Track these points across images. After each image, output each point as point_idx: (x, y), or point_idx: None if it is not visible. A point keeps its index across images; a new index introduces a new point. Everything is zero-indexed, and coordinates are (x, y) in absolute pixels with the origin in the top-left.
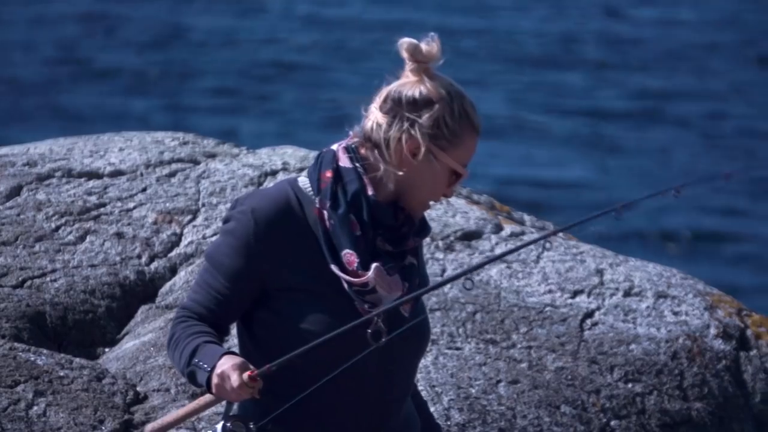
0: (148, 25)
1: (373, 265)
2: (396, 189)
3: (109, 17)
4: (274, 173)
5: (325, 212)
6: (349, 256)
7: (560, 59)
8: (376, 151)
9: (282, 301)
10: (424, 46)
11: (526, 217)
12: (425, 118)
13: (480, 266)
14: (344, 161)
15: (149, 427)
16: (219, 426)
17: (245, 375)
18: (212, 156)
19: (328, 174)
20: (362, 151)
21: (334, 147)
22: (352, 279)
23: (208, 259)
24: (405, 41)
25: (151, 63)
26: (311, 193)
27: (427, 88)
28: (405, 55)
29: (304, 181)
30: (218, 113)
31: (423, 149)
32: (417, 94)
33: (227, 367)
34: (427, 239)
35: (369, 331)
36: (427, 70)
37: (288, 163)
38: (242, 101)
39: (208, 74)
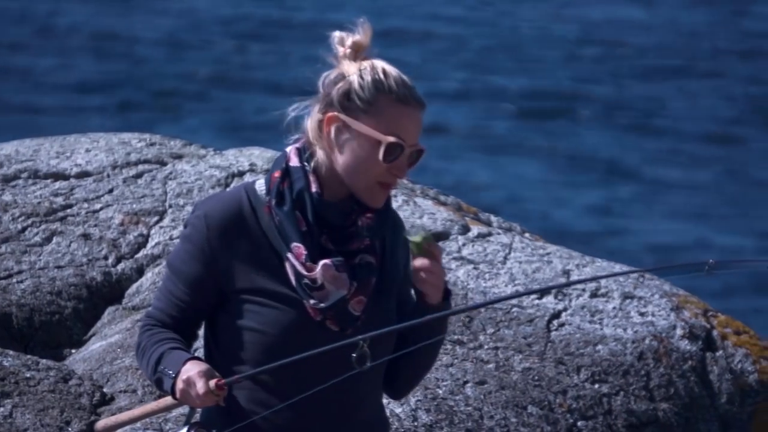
0: None
1: (322, 262)
2: (345, 181)
3: None
4: (241, 174)
5: (273, 210)
6: (297, 248)
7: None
8: (318, 146)
9: (239, 304)
10: (351, 36)
11: (493, 218)
12: (335, 91)
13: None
14: (294, 161)
15: (101, 423)
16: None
17: (212, 383)
18: (179, 157)
19: (277, 174)
20: (313, 150)
21: (289, 148)
22: (304, 271)
23: (168, 266)
24: (334, 34)
25: None
26: (265, 195)
27: (343, 68)
28: (334, 47)
29: (260, 183)
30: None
31: (338, 123)
32: (332, 75)
33: (193, 373)
34: None
35: (354, 355)
36: (353, 55)
37: (255, 164)
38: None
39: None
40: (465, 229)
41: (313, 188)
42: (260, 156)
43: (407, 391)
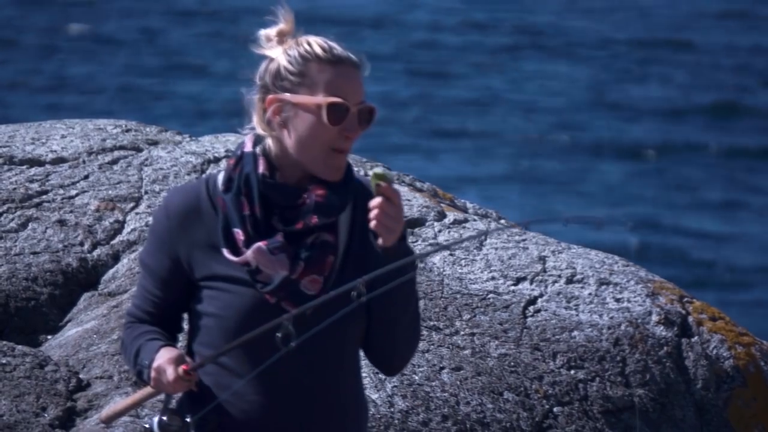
0: None
1: (254, 246)
2: (298, 161)
3: None
4: (217, 160)
5: (221, 195)
6: (237, 234)
7: None
8: (267, 134)
9: (201, 291)
10: (275, 27)
11: (469, 205)
12: (267, 75)
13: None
14: (248, 147)
15: (103, 414)
16: (155, 419)
17: (180, 369)
18: (155, 143)
19: (232, 161)
20: (264, 138)
21: (247, 136)
22: (234, 258)
23: (139, 262)
24: (259, 34)
25: None
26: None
27: (271, 54)
28: (263, 45)
29: (223, 174)
30: None
31: (277, 103)
32: (263, 63)
33: (162, 361)
34: None
35: (278, 334)
36: (279, 42)
37: (231, 150)
38: None
39: None
40: (441, 216)
41: (260, 169)
42: (235, 142)
43: (398, 363)
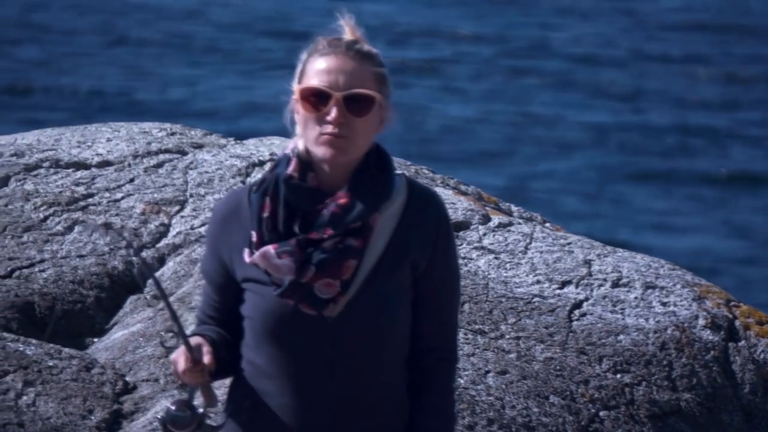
0: None
1: (261, 249)
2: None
3: None
4: (261, 164)
5: (252, 196)
6: (253, 236)
7: None
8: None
9: (242, 293)
10: (330, 36)
11: (514, 208)
12: (295, 78)
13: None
14: (288, 149)
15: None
16: (168, 409)
17: (187, 360)
18: (199, 146)
19: (271, 165)
20: (300, 139)
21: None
22: (247, 259)
23: (200, 268)
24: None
25: None
26: None
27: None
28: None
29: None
30: None
31: (293, 104)
32: None
33: (176, 354)
34: None
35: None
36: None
37: (276, 153)
38: None
39: None
40: (486, 219)
41: (289, 170)
42: (281, 146)
43: None
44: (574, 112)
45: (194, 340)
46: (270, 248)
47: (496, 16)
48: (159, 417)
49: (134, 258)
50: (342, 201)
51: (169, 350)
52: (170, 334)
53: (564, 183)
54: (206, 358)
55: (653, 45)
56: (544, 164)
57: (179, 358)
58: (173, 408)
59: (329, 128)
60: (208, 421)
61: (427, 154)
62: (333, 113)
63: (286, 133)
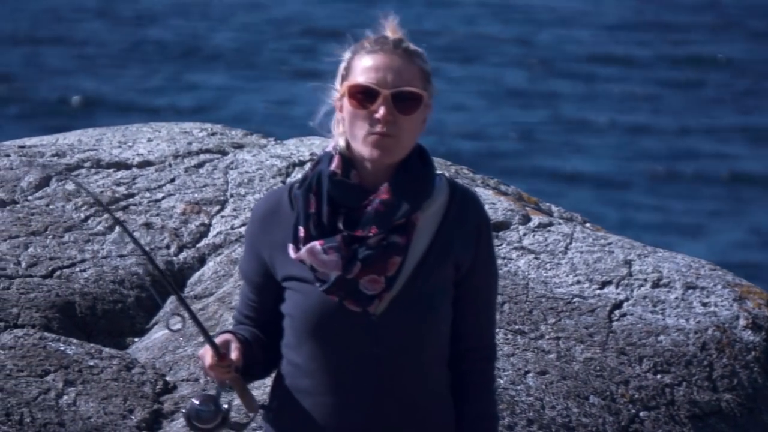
0: None
1: (308, 245)
2: (359, 153)
3: None
4: (302, 164)
5: (295, 193)
6: (300, 232)
7: None
8: (341, 134)
9: (282, 292)
10: (374, 35)
11: (554, 208)
12: (338, 76)
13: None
14: (329, 147)
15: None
16: (192, 405)
17: (212, 356)
18: (240, 147)
19: (313, 162)
20: (341, 137)
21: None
22: (293, 255)
23: (239, 268)
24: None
25: None
26: None
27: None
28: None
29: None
30: None
31: (338, 102)
32: None
33: (204, 349)
34: None
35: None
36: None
37: (316, 153)
38: None
39: None
40: (526, 219)
41: (332, 167)
42: (320, 146)
43: None
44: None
45: (222, 337)
46: (316, 244)
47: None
48: (183, 411)
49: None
50: (385, 198)
51: (174, 333)
52: (177, 318)
53: None
54: (233, 354)
55: None
56: None
57: (206, 353)
58: (197, 402)
59: (378, 127)
60: (234, 419)
61: None
62: (381, 111)
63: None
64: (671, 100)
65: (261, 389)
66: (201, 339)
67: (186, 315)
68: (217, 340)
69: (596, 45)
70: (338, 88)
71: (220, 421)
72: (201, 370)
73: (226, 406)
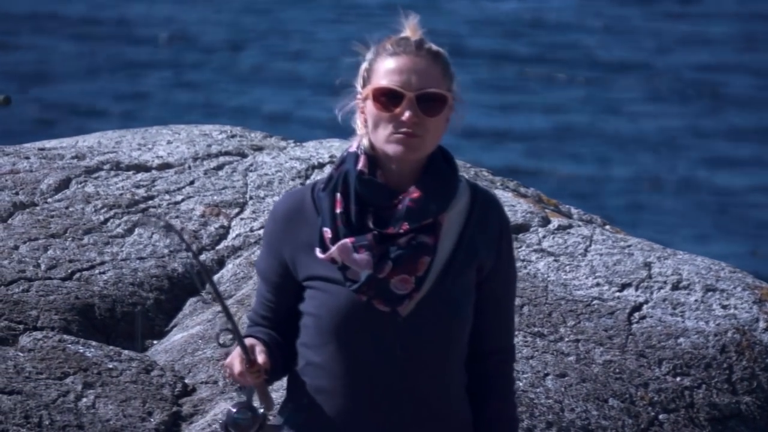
0: None
1: (339, 243)
2: (384, 153)
3: None
4: (321, 166)
5: (320, 193)
6: (325, 233)
7: None
8: (364, 134)
9: (304, 291)
10: (395, 36)
11: (573, 210)
12: (359, 78)
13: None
14: (352, 147)
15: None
16: (229, 413)
17: (242, 361)
18: (259, 149)
19: (337, 162)
20: (364, 138)
21: (355, 138)
22: (322, 255)
23: (256, 269)
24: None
25: None
26: None
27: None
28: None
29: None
30: None
31: (361, 103)
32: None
33: (230, 357)
34: None
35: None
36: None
37: (335, 155)
38: None
39: None
40: (545, 222)
41: (359, 166)
42: (340, 148)
43: None
44: None
45: (247, 342)
46: (347, 241)
47: None
48: (221, 422)
49: (192, 260)
50: (416, 196)
51: (226, 348)
52: (228, 335)
53: None
54: (260, 358)
55: None
56: None
57: (234, 360)
58: (234, 411)
59: (403, 128)
60: (270, 422)
61: None
62: (407, 114)
63: (345, 135)
64: None
65: (280, 391)
66: (220, 341)
67: (230, 326)
68: (241, 356)
69: None
70: (360, 90)
71: (258, 427)
72: (227, 377)
73: (261, 410)
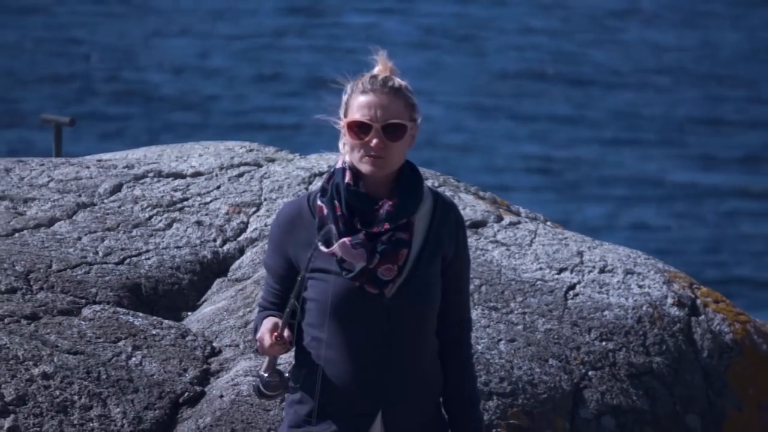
0: None
1: (340, 241)
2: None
3: None
4: (320, 174)
5: (318, 201)
6: (332, 230)
7: None
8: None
9: (308, 281)
10: (369, 72)
11: (522, 210)
12: (341, 108)
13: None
14: (339, 164)
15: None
16: (261, 376)
17: (269, 337)
18: (272, 161)
19: (326, 176)
20: (347, 155)
21: (340, 156)
22: (325, 249)
23: (263, 264)
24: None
25: None
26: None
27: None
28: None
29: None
30: None
31: (342, 129)
32: None
33: (261, 332)
34: None
35: (288, 309)
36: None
37: (332, 166)
38: None
39: None
40: (499, 219)
41: (346, 179)
42: (335, 160)
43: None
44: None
45: (272, 320)
46: (346, 240)
47: None
48: (253, 384)
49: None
50: (393, 202)
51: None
52: (266, 375)
53: None
54: (286, 332)
55: None
56: None
57: (264, 335)
58: (266, 375)
59: (372, 152)
60: (290, 385)
61: None
62: (374, 141)
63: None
64: None
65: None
66: (240, 313)
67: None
68: (270, 323)
69: None
70: (342, 117)
71: (283, 388)
72: (248, 340)
73: (287, 375)
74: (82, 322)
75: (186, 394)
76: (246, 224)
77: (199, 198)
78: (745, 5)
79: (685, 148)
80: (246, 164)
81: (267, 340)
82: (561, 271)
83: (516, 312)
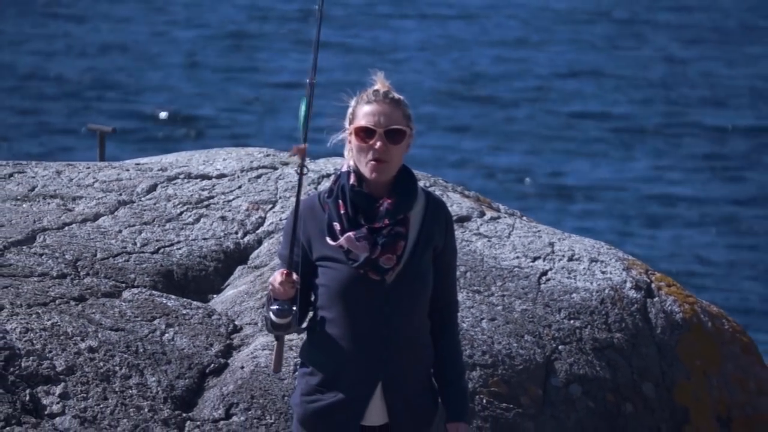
0: None
1: (346, 235)
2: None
3: None
4: (328, 176)
5: (326, 201)
6: (335, 226)
7: None
8: (351, 156)
9: (316, 268)
10: (369, 88)
11: (502, 207)
12: (347, 118)
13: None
14: (344, 167)
15: (272, 368)
16: (273, 308)
17: (279, 275)
18: (286, 164)
19: (333, 178)
20: (351, 160)
21: (346, 160)
22: (332, 243)
23: (278, 255)
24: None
25: None
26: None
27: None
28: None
29: (328, 186)
30: None
31: (348, 136)
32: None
33: (272, 275)
34: None
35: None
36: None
37: (338, 169)
38: None
39: None
40: (482, 214)
41: (350, 181)
42: (341, 163)
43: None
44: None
45: (284, 270)
46: (351, 234)
47: None
48: (264, 316)
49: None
50: (392, 200)
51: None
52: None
53: None
54: (295, 276)
55: None
56: None
57: (276, 274)
58: (276, 306)
59: (376, 155)
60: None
61: None
62: (378, 144)
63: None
64: None
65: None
66: (258, 296)
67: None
68: (282, 270)
69: None
70: (348, 127)
71: (292, 317)
72: (269, 290)
73: (294, 308)
74: (123, 303)
75: (212, 365)
76: (263, 219)
77: (223, 196)
78: None
79: None
80: (264, 167)
81: (277, 278)
82: (535, 259)
83: (496, 295)
